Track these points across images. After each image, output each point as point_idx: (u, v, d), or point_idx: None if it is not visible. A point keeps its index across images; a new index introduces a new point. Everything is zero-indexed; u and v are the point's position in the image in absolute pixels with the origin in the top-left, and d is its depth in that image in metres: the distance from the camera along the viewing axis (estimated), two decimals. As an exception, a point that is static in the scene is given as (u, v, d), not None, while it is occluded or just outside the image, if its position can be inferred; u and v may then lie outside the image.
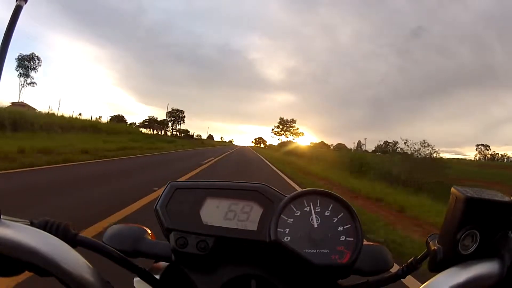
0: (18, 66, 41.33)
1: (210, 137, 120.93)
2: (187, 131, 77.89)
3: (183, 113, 74.68)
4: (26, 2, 0.40)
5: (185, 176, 7.56)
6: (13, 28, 0.38)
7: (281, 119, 77.10)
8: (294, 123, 77.58)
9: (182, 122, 75.03)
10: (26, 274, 0.33)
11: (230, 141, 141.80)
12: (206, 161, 13.19)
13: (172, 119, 74.05)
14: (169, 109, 74.61)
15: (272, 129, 78.48)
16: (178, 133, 74.12)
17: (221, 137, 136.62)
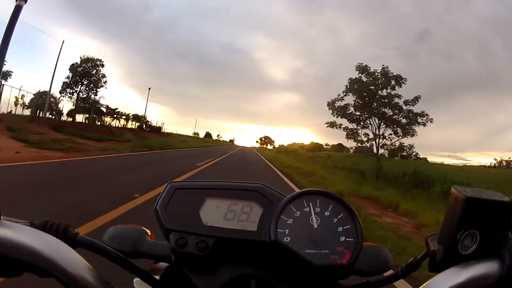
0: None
1: (208, 135, 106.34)
2: (140, 119, 35.84)
3: (102, 66, 27.40)
4: (25, 2, 0.40)
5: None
6: (13, 28, 0.38)
7: (364, 67, 20.98)
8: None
9: (96, 89, 27.43)
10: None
11: (231, 141, 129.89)
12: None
13: (78, 79, 26.50)
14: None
15: (333, 103, 21.78)
16: (127, 121, 34.05)
17: (218, 135, 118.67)
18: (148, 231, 0.46)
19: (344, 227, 0.40)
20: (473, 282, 0.31)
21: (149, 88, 42.23)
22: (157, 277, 0.42)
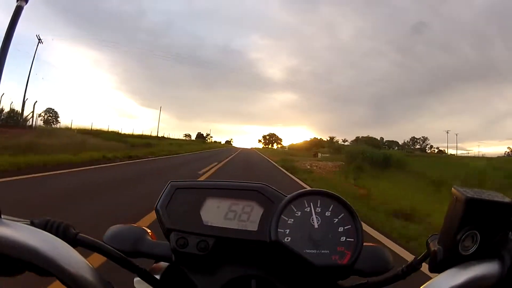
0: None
1: (200, 136, 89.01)
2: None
3: None
4: (26, 3, 0.40)
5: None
6: (14, 28, 0.38)
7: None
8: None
9: None
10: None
11: (228, 142, 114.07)
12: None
13: None
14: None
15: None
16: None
17: (208, 134, 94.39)
18: (149, 231, 0.46)
19: (345, 227, 0.40)
20: (473, 282, 0.31)
21: (39, 40, 29.50)
22: (158, 277, 0.42)
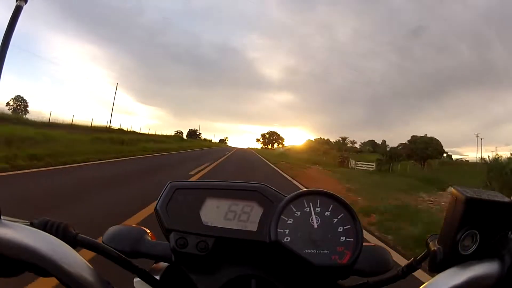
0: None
1: (192, 132, 79.65)
2: None
3: None
4: (26, 2, 0.40)
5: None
6: (13, 28, 0.38)
7: None
8: None
9: None
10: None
11: (223, 141, 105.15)
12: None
13: None
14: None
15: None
16: None
17: (196, 130, 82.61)
18: (148, 231, 0.46)
19: (345, 227, 0.40)
20: (473, 282, 0.31)
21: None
22: (157, 277, 0.42)
